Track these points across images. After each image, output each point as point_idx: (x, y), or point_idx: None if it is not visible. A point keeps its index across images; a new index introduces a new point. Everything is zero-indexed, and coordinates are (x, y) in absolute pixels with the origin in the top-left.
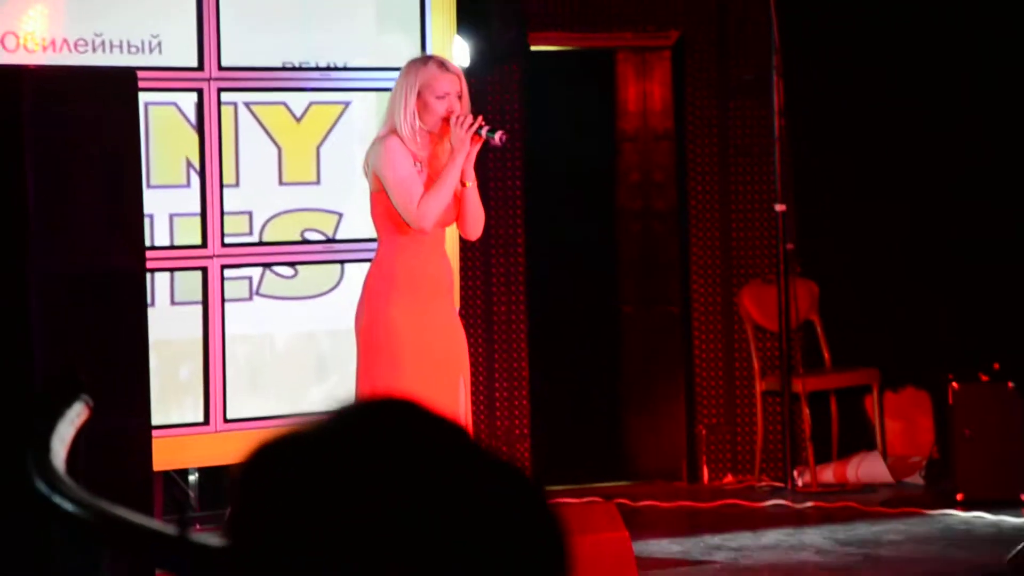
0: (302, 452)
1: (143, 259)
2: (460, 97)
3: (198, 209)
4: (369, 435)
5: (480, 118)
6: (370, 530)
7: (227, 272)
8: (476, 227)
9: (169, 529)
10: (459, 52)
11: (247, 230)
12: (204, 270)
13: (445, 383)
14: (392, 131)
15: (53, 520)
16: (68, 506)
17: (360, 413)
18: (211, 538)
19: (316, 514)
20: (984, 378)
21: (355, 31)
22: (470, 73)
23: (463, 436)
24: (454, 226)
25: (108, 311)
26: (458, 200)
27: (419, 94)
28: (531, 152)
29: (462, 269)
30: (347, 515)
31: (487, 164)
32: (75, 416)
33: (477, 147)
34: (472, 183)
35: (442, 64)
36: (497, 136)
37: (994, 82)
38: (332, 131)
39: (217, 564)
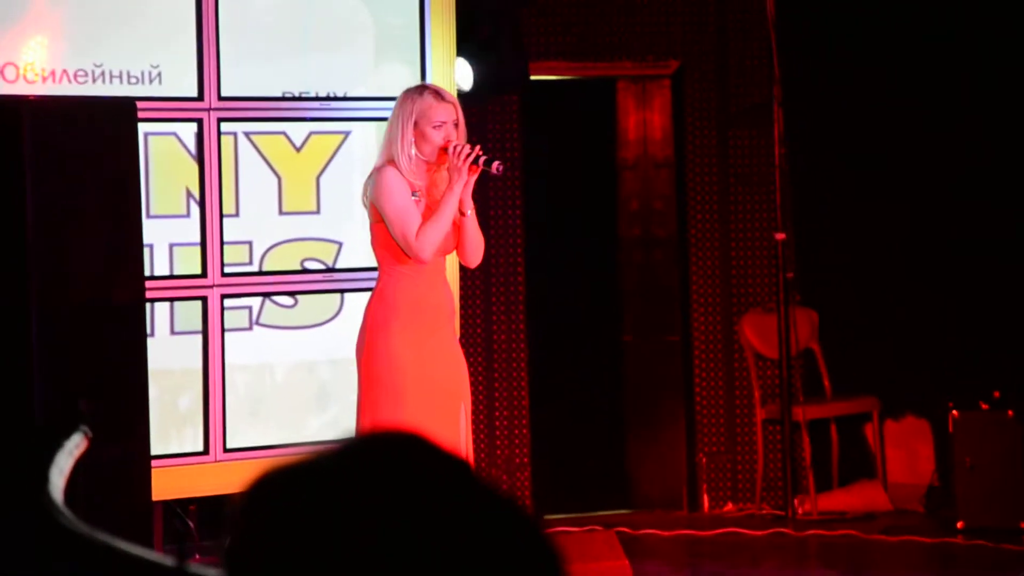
0: (305, 484)
1: (143, 289)
2: (457, 125)
3: (198, 239)
4: (372, 469)
5: (478, 148)
6: (370, 564)
7: (227, 302)
8: (476, 255)
9: (168, 560)
10: (462, 76)
11: (247, 260)
12: (204, 300)
13: (446, 413)
14: (389, 161)
15: (52, 551)
16: (67, 537)
17: (364, 446)
18: (210, 570)
19: (317, 547)
20: (984, 406)
21: (355, 61)
22: (470, 102)
23: (466, 471)
24: (454, 254)
25: (108, 341)
26: (457, 228)
27: (415, 124)
28: (531, 181)
29: (462, 297)
30: (348, 549)
31: (487, 193)
32: (74, 447)
33: (475, 176)
34: (471, 212)
35: (438, 93)
36: (494, 166)
37: (1003, 107)
38: (332, 160)
39: None
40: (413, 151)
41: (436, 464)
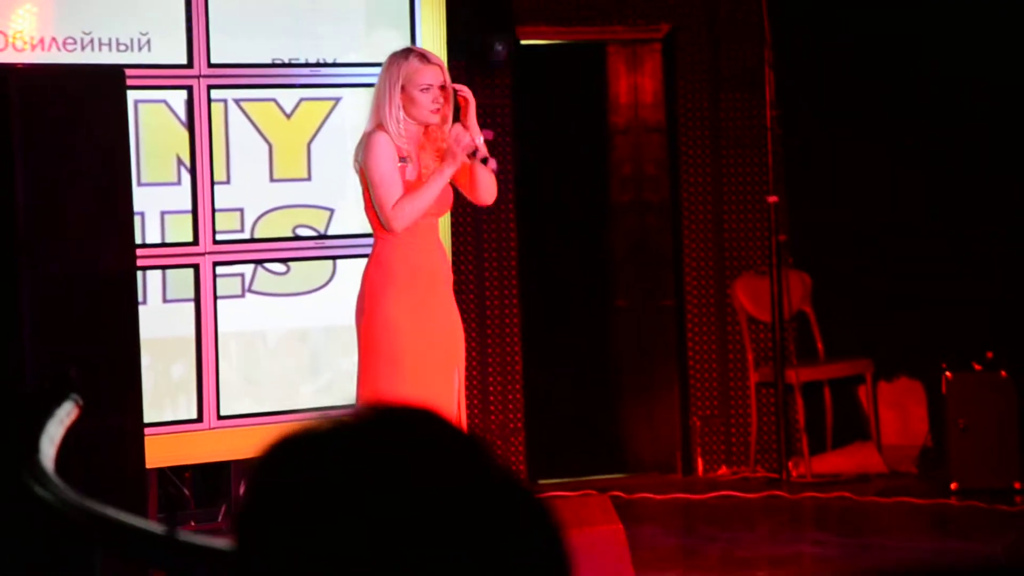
0: (321, 456)
1: (134, 257)
2: (443, 88)
3: (189, 206)
4: (389, 444)
5: (479, 143)
6: (381, 537)
7: (219, 269)
8: (490, 194)
9: (159, 528)
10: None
11: (239, 227)
12: (196, 267)
13: (442, 376)
14: (379, 126)
15: (43, 520)
16: (57, 506)
17: (380, 420)
18: (203, 536)
19: (329, 519)
20: (978, 367)
21: (345, 27)
22: (460, 68)
23: (476, 449)
24: (447, 216)
25: (99, 310)
26: (470, 171)
27: (403, 88)
28: (522, 146)
29: (455, 263)
30: (359, 522)
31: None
32: (65, 415)
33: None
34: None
35: (423, 56)
36: (490, 165)
37: (990, 70)
38: (323, 127)
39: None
40: (401, 115)
41: (449, 442)
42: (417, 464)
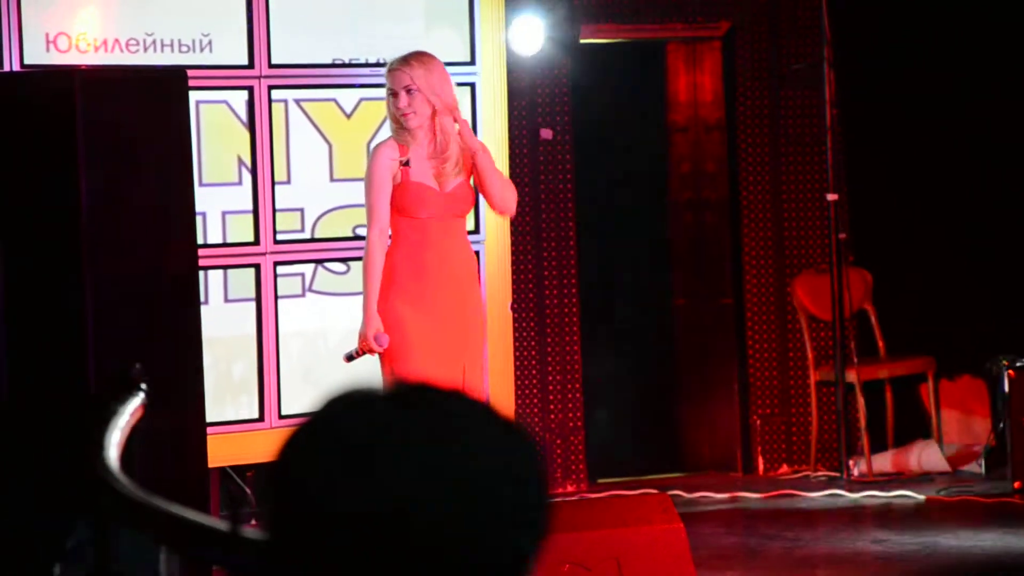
0: (329, 440)
1: (196, 257)
2: (410, 91)
3: (250, 206)
4: (401, 421)
5: (354, 352)
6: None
7: (280, 269)
8: (503, 200)
9: (223, 525)
10: (527, 36)
11: (299, 227)
12: (257, 267)
13: (448, 371)
14: (390, 137)
15: (107, 516)
16: (121, 503)
17: (376, 404)
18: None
19: (350, 502)
20: None
21: (404, 26)
22: (520, 66)
23: (484, 410)
24: (506, 217)
25: (162, 310)
26: (474, 168)
27: (388, 93)
28: (582, 144)
29: (514, 262)
30: (379, 502)
31: (538, 158)
32: (129, 414)
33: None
34: (482, 152)
35: (401, 59)
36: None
37: None
38: (382, 127)
39: (265, 559)
40: (390, 115)
41: (465, 411)
42: (445, 435)
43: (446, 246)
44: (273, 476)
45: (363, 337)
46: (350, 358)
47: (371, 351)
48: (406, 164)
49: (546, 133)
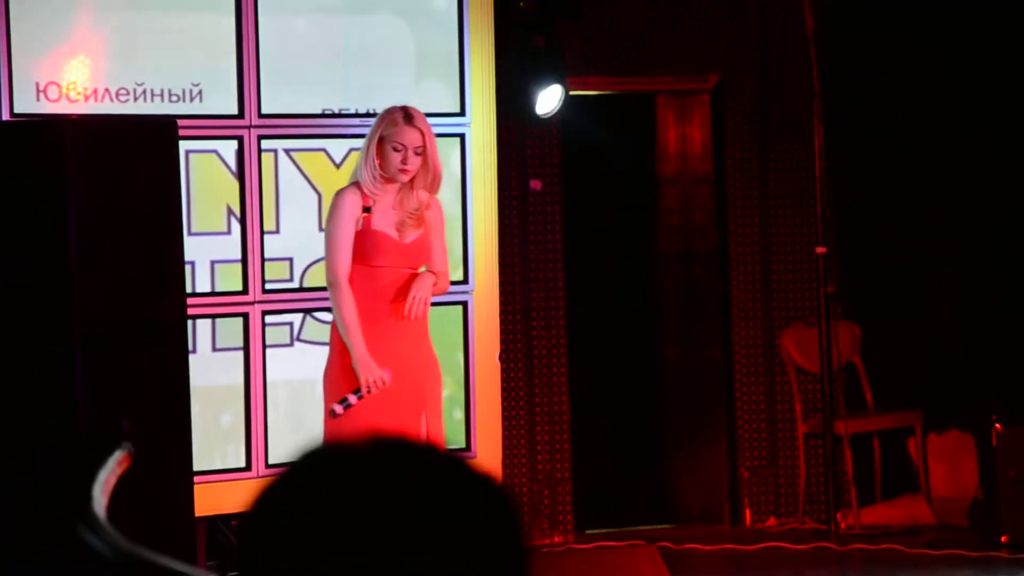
0: (296, 497)
1: (185, 306)
2: (420, 154)
3: (239, 256)
4: (380, 466)
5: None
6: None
7: (268, 318)
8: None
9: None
10: (550, 99)
11: (288, 276)
12: (245, 316)
13: (407, 420)
14: (355, 182)
15: (95, 567)
16: (108, 553)
17: (339, 458)
18: None
19: (316, 554)
20: None
21: (394, 78)
22: (510, 117)
23: (458, 466)
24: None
25: (151, 358)
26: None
27: (381, 139)
28: (570, 196)
29: (502, 312)
30: (345, 549)
31: (527, 208)
32: (116, 464)
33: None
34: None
35: (409, 116)
36: (350, 400)
37: None
38: None
39: None
40: (376, 167)
41: (425, 462)
42: (410, 484)
43: (398, 296)
44: (245, 527)
45: (368, 376)
46: (342, 408)
47: (378, 388)
48: (368, 212)
49: (535, 184)
